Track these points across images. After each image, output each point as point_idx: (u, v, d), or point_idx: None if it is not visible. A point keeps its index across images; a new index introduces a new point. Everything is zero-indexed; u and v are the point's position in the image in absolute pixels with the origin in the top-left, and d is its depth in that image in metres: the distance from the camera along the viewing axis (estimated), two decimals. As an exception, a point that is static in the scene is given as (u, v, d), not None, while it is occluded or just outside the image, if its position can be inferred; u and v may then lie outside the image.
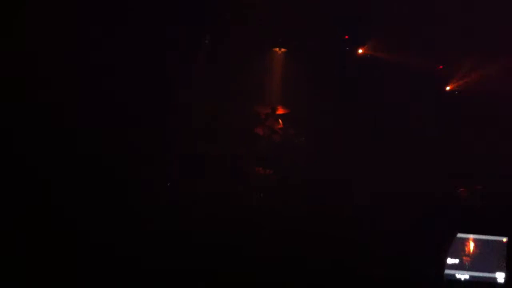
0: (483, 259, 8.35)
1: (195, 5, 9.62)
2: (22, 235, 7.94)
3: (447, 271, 8.28)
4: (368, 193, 10.35)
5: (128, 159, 8.90)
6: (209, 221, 9.17)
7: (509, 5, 11.63)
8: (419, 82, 12.56)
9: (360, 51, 13.34)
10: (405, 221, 9.32)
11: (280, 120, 12.68)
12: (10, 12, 8.72)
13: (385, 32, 12.47)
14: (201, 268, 8.16)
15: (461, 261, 8.36)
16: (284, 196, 10.75)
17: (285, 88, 13.19)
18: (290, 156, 12.15)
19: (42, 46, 8.65)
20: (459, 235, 8.43)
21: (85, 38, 8.83)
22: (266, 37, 12.65)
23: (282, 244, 8.90)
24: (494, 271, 8.27)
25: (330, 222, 9.47)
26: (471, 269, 8.32)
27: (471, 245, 8.46)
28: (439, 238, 8.61)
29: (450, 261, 8.33)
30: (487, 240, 8.43)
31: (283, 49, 13.55)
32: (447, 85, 13.22)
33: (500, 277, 8.25)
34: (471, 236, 8.45)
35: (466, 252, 8.42)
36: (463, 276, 8.30)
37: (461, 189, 10.64)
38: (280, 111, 12.82)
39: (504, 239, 8.35)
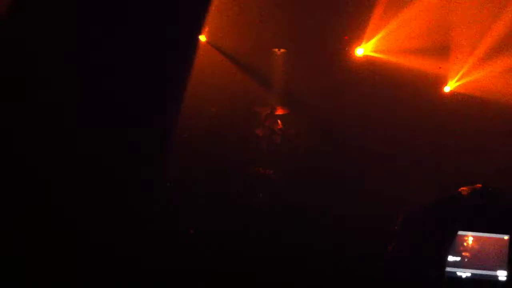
0: (485, 256, 8.35)
1: (195, 5, 9.60)
2: (22, 235, 7.93)
3: (448, 269, 8.28)
4: (368, 192, 10.37)
5: (128, 159, 8.88)
6: (209, 221, 9.18)
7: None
8: (419, 82, 12.59)
9: (360, 50, 13.36)
10: (404, 221, 9.31)
11: (279, 121, 12.69)
12: (10, 12, 8.71)
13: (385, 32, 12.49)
14: (201, 268, 8.16)
15: (462, 258, 8.36)
16: (284, 197, 10.77)
17: (284, 88, 13.20)
18: (291, 157, 12.17)
19: (42, 46, 8.62)
20: (460, 232, 8.43)
21: (85, 38, 8.80)
22: (266, 37, 12.67)
23: (282, 244, 8.91)
24: (495, 269, 8.28)
25: (330, 222, 9.48)
26: (472, 267, 8.32)
27: (473, 243, 8.46)
28: (439, 237, 8.62)
29: (451, 258, 8.34)
30: (489, 238, 8.43)
31: (282, 50, 13.56)
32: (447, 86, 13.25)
33: (502, 275, 8.25)
34: (473, 233, 8.45)
35: (468, 250, 8.42)
36: (464, 273, 8.31)
37: (462, 188, 10.63)
38: (280, 111, 12.83)
39: (506, 237, 8.36)
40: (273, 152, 12.26)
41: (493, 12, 12.78)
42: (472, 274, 8.29)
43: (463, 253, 8.36)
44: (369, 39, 13.23)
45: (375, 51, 13.33)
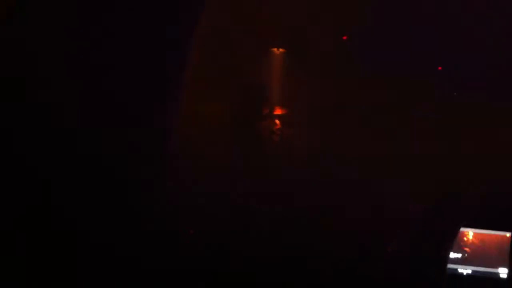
0: (487, 254, 8.33)
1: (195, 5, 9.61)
2: (22, 235, 7.94)
3: (449, 265, 8.27)
4: (368, 192, 10.36)
5: (128, 159, 8.88)
6: (209, 221, 9.19)
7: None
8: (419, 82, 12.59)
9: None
10: (405, 221, 9.33)
11: (277, 121, 12.70)
12: (10, 11, 8.71)
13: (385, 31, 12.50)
14: (201, 268, 8.17)
15: (464, 255, 8.34)
16: (284, 196, 10.76)
17: (283, 88, 13.21)
18: (289, 157, 12.17)
19: (42, 46, 8.62)
20: (463, 229, 8.41)
21: (85, 38, 8.80)
22: (265, 37, 12.68)
23: (282, 244, 8.91)
24: (497, 266, 8.26)
25: (330, 222, 9.48)
26: (474, 264, 8.29)
27: (475, 240, 8.44)
28: (439, 237, 8.62)
29: (453, 255, 8.32)
30: (491, 235, 8.42)
31: (281, 49, 13.56)
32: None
33: (503, 272, 8.23)
34: (475, 230, 8.44)
35: (469, 246, 8.41)
36: (465, 270, 8.29)
37: (462, 187, 10.64)
38: (278, 111, 12.84)
39: (508, 234, 8.34)
40: (272, 152, 12.28)
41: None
42: (473, 271, 8.27)
43: (465, 250, 8.34)
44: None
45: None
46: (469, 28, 12.05)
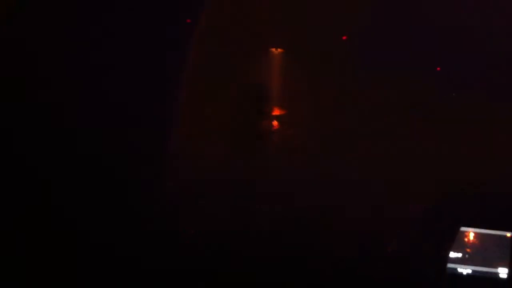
0: (487, 253, 8.32)
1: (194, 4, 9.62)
2: (22, 235, 7.94)
3: (449, 265, 8.27)
4: (368, 192, 10.34)
5: (128, 159, 8.88)
6: (209, 221, 9.17)
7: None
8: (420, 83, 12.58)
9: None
10: (405, 221, 9.32)
11: (275, 121, 12.69)
12: (10, 11, 8.72)
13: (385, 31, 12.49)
14: (201, 268, 8.16)
15: (463, 255, 8.33)
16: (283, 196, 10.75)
17: (283, 88, 13.20)
18: (289, 157, 12.16)
19: (42, 46, 8.63)
20: (463, 228, 8.41)
21: (85, 38, 8.81)
22: (264, 37, 12.67)
23: (282, 244, 8.90)
24: (497, 266, 8.26)
25: (330, 222, 9.46)
26: (473, 264, 8.29)
27: (475, 240, 8.44)
28: (439, 237, 8.62)
29: (453, 255, 8.31)
30: (491, 235, 8.41)
31: (280, 50, 13.55)
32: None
33: (503, 272, 8.23)
34: (475, 230, 8.44)
35: (469, 246, 8.40)
36: (465, 270, 8.28)
37: (462, 186, 10.64)
38: (278, 111, 12.83)
39: (509, 234, 8.34)
40: (272, 152, 12.25)
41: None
42: (473, 270, 8.27)
43: (465, 249, 8.33)
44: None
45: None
46: (469, 28, 12.05)
